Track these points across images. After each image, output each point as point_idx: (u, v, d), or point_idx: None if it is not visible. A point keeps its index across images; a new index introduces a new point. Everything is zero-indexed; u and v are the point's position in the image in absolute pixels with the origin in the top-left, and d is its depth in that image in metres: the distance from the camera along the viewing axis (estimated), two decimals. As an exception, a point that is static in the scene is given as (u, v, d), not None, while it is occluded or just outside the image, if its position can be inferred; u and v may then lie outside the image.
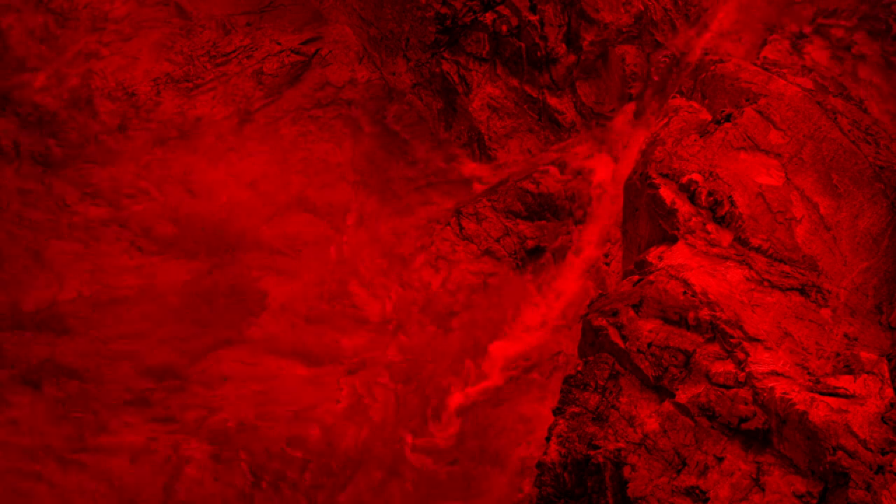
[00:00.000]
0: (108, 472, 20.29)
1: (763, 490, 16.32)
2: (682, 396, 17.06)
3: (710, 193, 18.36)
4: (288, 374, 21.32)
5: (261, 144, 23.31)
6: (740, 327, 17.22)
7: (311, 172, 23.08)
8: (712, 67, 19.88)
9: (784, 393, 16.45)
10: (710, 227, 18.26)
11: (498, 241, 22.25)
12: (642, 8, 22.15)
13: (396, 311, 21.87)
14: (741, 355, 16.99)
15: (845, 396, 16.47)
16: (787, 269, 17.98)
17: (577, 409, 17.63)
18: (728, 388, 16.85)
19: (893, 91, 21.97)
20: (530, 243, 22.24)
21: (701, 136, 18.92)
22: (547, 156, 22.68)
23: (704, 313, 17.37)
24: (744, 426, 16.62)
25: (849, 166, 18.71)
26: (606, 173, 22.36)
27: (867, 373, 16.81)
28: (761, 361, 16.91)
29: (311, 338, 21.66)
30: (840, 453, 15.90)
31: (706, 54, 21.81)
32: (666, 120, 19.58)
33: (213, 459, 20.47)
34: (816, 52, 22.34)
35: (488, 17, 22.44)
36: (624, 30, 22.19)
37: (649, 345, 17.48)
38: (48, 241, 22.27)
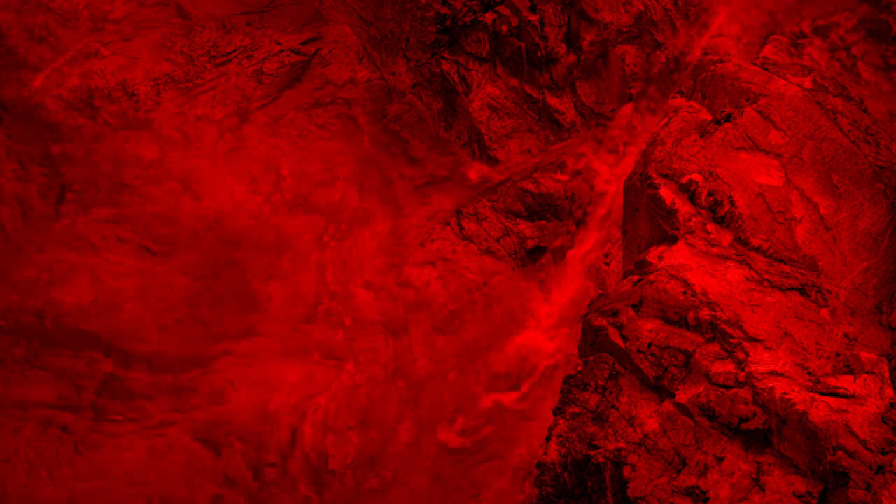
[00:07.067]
0: (107, 463, 20.32)
1: (763, 490, 16.32)
2: (682, 396, 17.07)
3: (710, 193, 18.36)
4: (288, 372, 21.33)
5: (261, 144, 23.31)
6: (740, 327, 17.23)
7: (310, 172, 23.09)
8: (712, 67, 19.88)
9: (784, 393, 16.46)
10: (710, 227, 18.26)
11: (498, 240, 22.26)
12: (642, 8, 22.16)
13: (396, 310, 21.88)
14: (741, 355, 16.99)
15: (845, 396, 16.48)
16: (787, 269, 17.99)
17: (577, 409, 17.64)
18: (728, 388, 16.86)
19: (893, 91, 21.99)
20: (530, 243, 22.25)
21: (701, 136, 18.93)
22: (547, 156, 22.69)
23: (704, 313, 17.38)
24: (744, 426, 16.62)
25: (849, 166, 18.72)
26: (606, 173, 22.37)
27: (867, 373, 16.81)
28: (761, 361, 16.92)
29: (310, 337, 21.67)
30: (840, 453, 15.90)
31: (706, 54, 21.83)
32: (666, 120, 19.59)
33: (212, 457, 20.48)
34: (816, 52, 22.36)
35: (488, 17, 22.45)
36: (624, 30, 22.20)
37: (649, 345, 17.48)
38: (49, 241, 22.28)
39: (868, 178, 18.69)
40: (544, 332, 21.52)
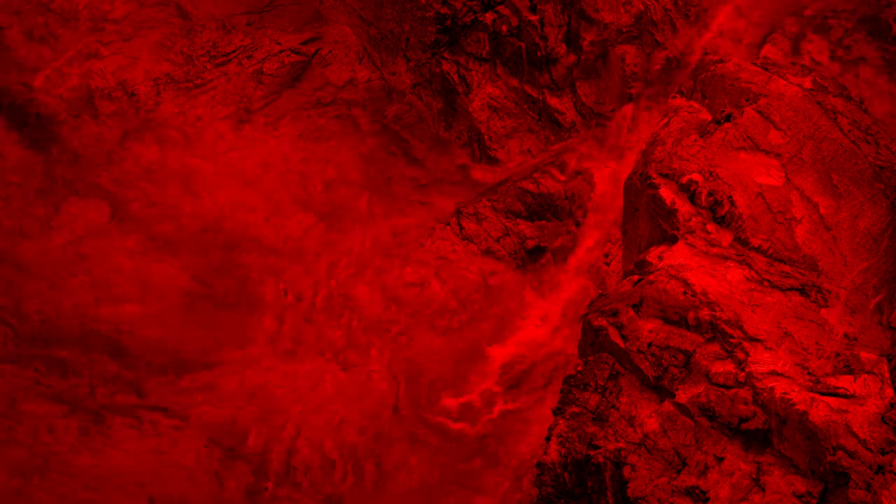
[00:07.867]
0: (107, 465, 20.31)
1: (763, 490, 16.32)
2: (682, 396, 17.07)
3: (710, 193, 18.37)
4: (288, 374, 21.33)
5: (261, 144, 23.31)
6: (740, 327, 17.23)
7: (310, 172, 23.09)
8: (712, 67, 19.89)
9: (784, 393, 16.46)
10: (710, 227, 18.26)
11: (498, 241, 22.26)
12: (642, 8, 22.16)
13: (396, 311, 21.88)
14: (741, 355, 16.99)
15: (845, 396, 16.48)
16: (787, 269, 17.99)
17: (577, 409, 17.64)
18: (728, 388, 16.86)
19: (893, 91, 21.99)
20: (530, 243, 22.25)
21: (701, 136, 18.93)
22: (547, 156, 22.69)
23: (704, 313, 17.38)
24: (744, 426, 16.63)
25: (849, 166, 18.72)
26: (606, 173, 22.37)
27: (867, 373, 16.82)
28: (761, 361, 16.92)
29: (310, 337, 21.67)
30: (840, 453, 15.90)
31: (706, 54, 21.83)
32: (666, 120, 19.59)
33: (212, 456, 20.48)
34: (816, 52, 22.36)
35: (488, 17, 22.44)
36: (624, 30, 22.20)
37: (649, 345, 17.48)
38: (49, 242, 22.28)
39: (868, 178, 18.69)
40: (544, 333, 21.51)
